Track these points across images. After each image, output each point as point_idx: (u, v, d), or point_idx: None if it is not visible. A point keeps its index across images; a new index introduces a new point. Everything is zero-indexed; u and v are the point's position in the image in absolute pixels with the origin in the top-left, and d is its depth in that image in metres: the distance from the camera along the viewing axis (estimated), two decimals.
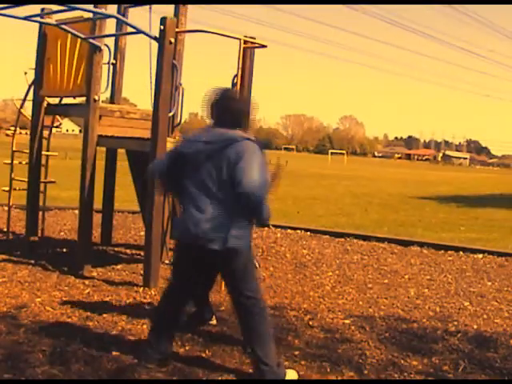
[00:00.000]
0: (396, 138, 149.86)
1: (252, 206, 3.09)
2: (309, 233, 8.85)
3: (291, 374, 3.34)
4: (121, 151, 6.69)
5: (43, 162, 6.46)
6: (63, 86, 5.91)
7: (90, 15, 5.51)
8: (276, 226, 9.07)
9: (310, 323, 4.41)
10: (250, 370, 3.43)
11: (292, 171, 28.07)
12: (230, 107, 3.31)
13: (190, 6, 5.89)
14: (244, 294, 3.31)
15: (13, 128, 6.70)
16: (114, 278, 5.44)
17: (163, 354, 3.46)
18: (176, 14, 5.71)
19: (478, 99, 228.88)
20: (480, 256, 7.51)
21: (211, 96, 3.34)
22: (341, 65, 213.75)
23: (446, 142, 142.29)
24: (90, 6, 5.34)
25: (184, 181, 3.32)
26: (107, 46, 5.81)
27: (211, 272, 3.74)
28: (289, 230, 8.96)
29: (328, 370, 3.51)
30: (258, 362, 3.27)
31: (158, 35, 5.13)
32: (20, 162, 6.63)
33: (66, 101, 6.35)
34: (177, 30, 5.26)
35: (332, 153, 71.45)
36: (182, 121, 5.70)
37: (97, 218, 6.52)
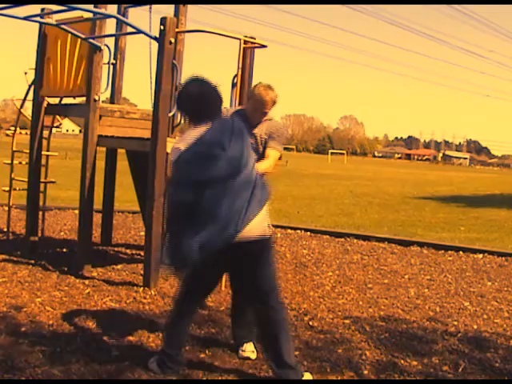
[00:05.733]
0: (396, 138, 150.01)
1: None
2: (309, 233, 8.85)
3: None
4: (121, 151, 6.69)
5: (43, 162, 6.46)
6: (63, 86, 5.91)
7: (90, 15, 5.51)
8: (276, 226, 9.06)
9: (310, 323, 4.40)
10: (250, 370, 3.43)
11: (292, 171, 28.06)
12: None
13: (189, 6, 5.89)
14: None
15: (13, 128, 6.70)
16: (114, 278, 5.44)
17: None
18: (176, 14, 5.72)
19: (478, 99, 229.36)
20: (480, 256, 7.51)
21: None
22: (341, 65, 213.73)
23: (446, 142, 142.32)
24: (90, 6, 5.34)
25: None
26: (107, 46, 5.80)
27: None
28: (289, 230, 8.96)
29: (328, 370, 3.51)
30: None
31: (158, 35, 5.13)
32: (20, 162, 6.63)
33: (66, 101, 6.35)
34: (177, 30, 5.26)
35: (332, 153, 71.46)
36: (182, 121, 5.70)
37: (97, 218, 6.52)
